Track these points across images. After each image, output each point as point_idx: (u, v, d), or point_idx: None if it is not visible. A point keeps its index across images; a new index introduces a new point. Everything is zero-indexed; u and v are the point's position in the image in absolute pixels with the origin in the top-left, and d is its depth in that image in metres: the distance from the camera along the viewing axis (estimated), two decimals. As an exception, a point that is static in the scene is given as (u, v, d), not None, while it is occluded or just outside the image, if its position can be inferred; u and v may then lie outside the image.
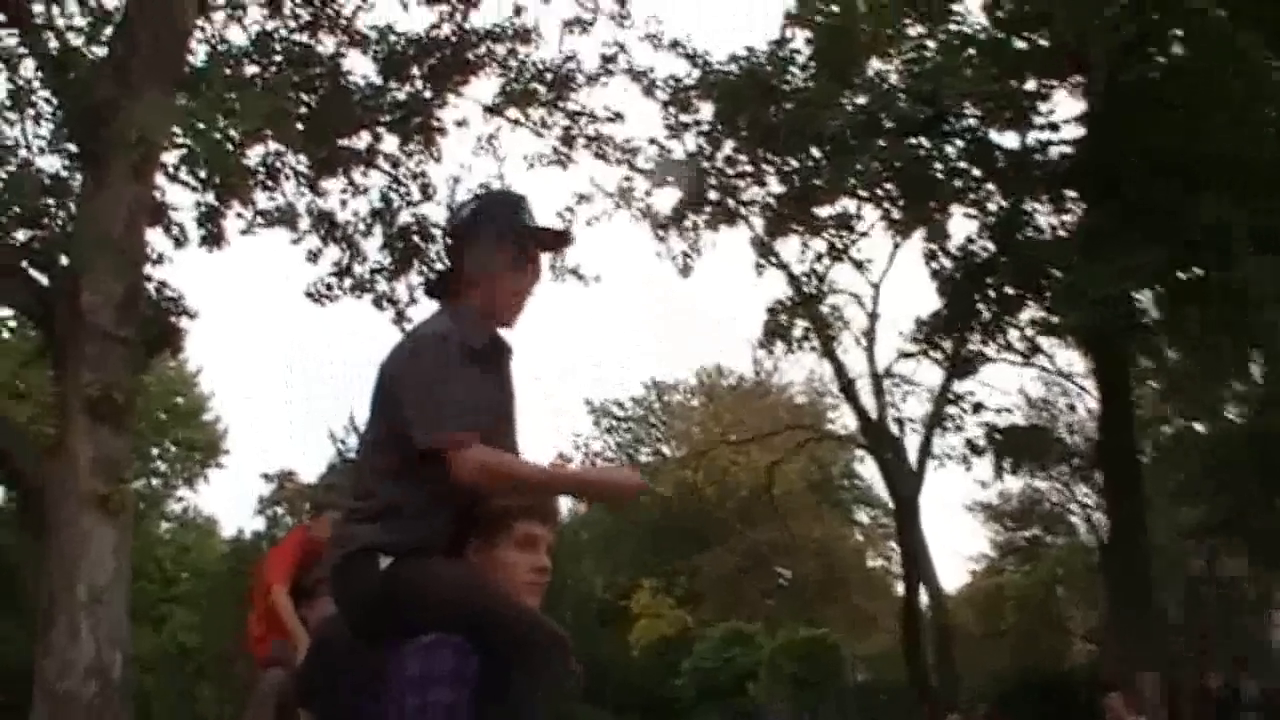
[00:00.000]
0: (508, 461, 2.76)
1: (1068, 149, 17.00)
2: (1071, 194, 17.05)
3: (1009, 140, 17.36)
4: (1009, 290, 18.09)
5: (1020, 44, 16.45)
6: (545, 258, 3.07)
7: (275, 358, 67.42)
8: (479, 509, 2.79)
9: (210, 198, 12.41)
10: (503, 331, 2.98)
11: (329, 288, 15.16)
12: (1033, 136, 17.22)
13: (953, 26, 16.87)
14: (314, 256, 15.05)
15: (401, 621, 2.67)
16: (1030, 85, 16.72)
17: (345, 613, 2.80)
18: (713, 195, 19.08)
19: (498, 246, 2.91)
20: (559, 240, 3.36)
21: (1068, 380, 24.46)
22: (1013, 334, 19.59)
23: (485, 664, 2.57)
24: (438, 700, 2.58)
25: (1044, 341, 20.03)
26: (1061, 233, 17.30)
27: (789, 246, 20.61)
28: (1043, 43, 16.16)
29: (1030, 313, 18.63)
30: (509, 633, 2.58)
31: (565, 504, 34.62)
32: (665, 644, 32.44)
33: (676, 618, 33.16)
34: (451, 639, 2.62)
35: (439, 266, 16.00)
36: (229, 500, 69.45)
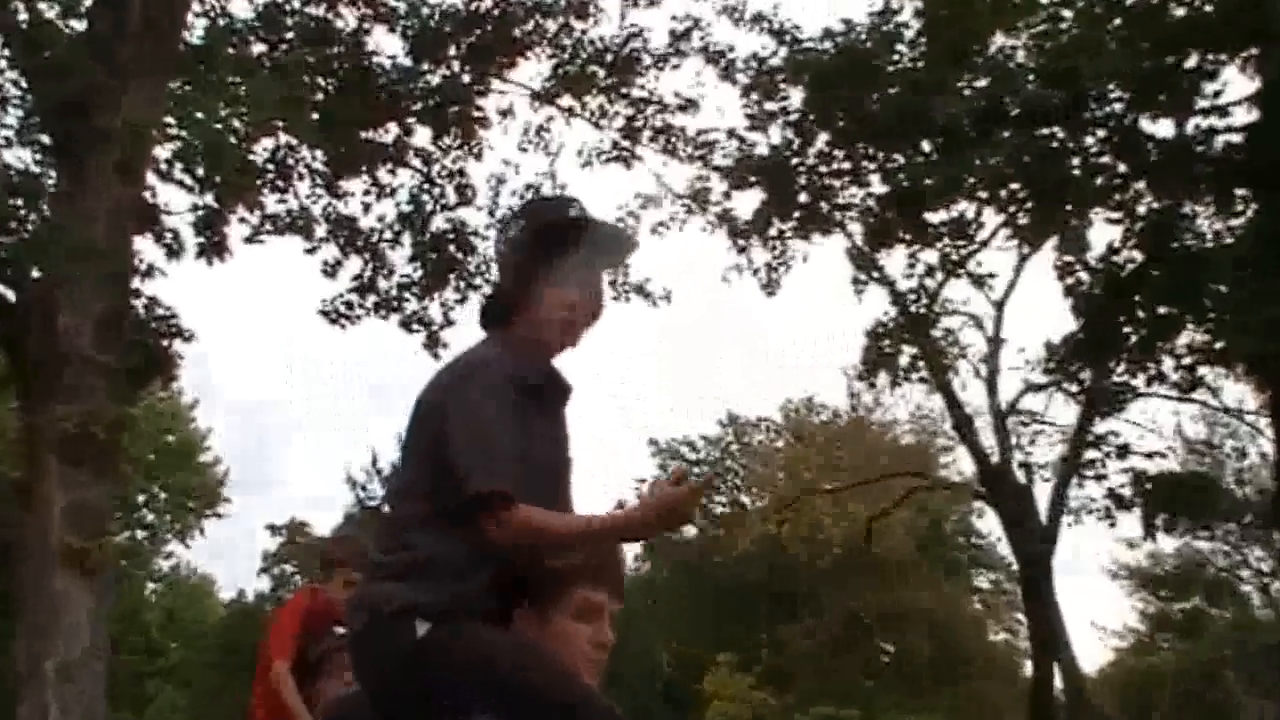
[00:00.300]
0: (551, 521, 2.74)
1: (1237, 138, 16.61)
2: (1241, 192, 16.61)
3: (1163, 129, 17.02)
4: (1162, 310, 17.69)
5: (1179, 10, 16.11)
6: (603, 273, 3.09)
7: (286, 389, 68.33)
8: (533, 568, 2.80)
9: (210, 200, 12.45)
10: (560, 364, 3.00)
11: (349, 306, 15.29)
12: (1193, 124, 16.84)
13: (1094, -9, 16.63)
14: (332, 269, 15.19)
15: (439, 699, 2.66)
16: (1191, 61, 16.37)
17: (369, 686, 2.81)
18: (803, 198, 18.95)
19: (536, 256, 2.95)
20: (617, 246, 3.31)
21: (1236, 418, 23.95)
22: (1167, 362, 19.14)
23: None
24: None
25: (1206, 371, 19.54)
26: (1228, 240, 16.86)
27: (894, 259, 20.45)
28: (1208, 8, 15.80)
29: (1189, 336, 18.20)
30: (568, 718, 2.58)
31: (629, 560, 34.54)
32: (744, 732, 32.22)
33: (757, 700, 32.88)
34: (500, 717, 2.61)
35: (479, 282, 16.15)
36: (228, 557, 70.40)
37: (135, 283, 10.38)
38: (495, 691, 2.63)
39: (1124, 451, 20.39)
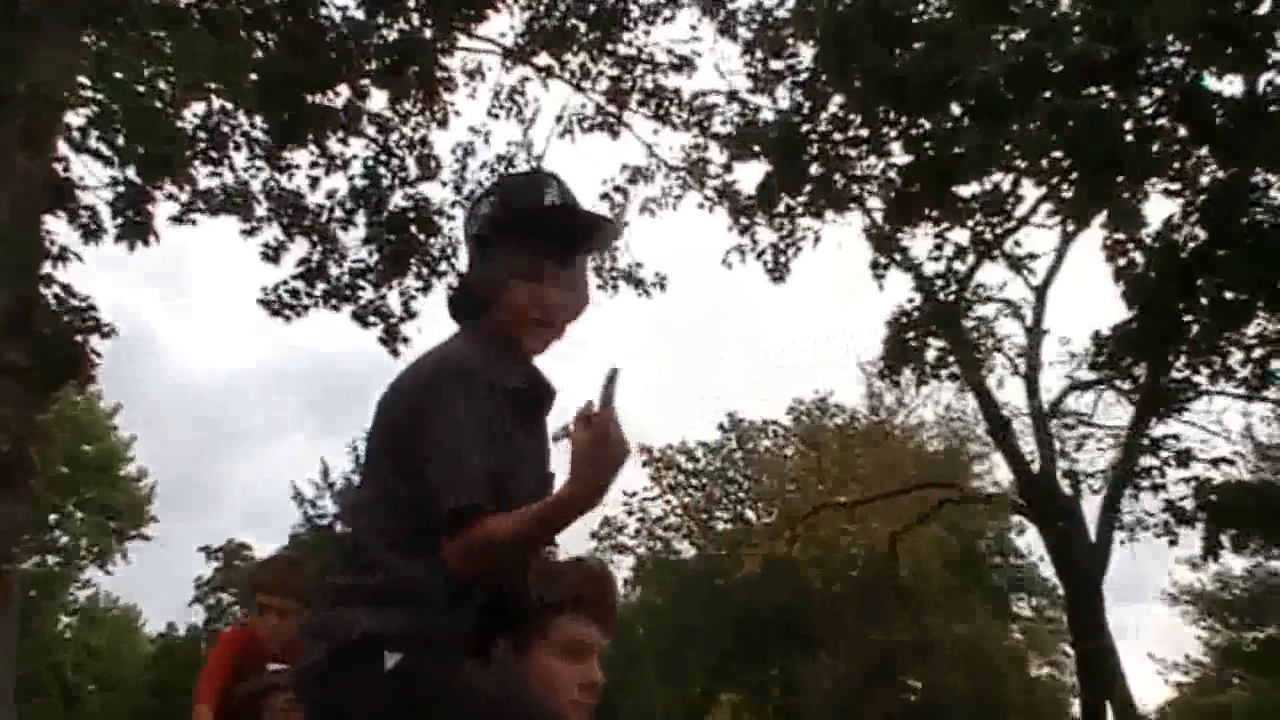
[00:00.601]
0: (498, 529, 2.66)
1: (1316, 97, 16.66)
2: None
3: (1231, 87, 17.05)
4: (1229, 295, 17.73)
5: (1248, -50, 16.16)
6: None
7: (223, 389, 68.23)
8: (513, 597, 2.81)
9: (132, 174, 12.41)
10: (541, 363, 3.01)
11: (295, 295, 15.28)
12: (1264, 81, 16.87)
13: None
14: (273, 253, 15.16)
15: None
16: (1263, 8, 16.39)
17: None
18: (814, 170, 18.97)
19: (510, 246, 2.96)
20: (594, 231, 3.25)
21: (1315, 420, 24.01)
22: (1235, 355, 19.23)
23: None
24: None
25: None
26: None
27: (919, 239, 20.44)
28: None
29: (1260, 325, 18.26)
30: None
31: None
32: (752, 783, 32.32)
33: (767, 747, 32.97)
34: None
35: (443, 267, 16.12)
36: (156, 584, 70.24)
37: (46, 268, 10.35)
38: None
39: (1185, 458, 20.40)
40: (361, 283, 15.27)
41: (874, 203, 19.96)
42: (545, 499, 2.69)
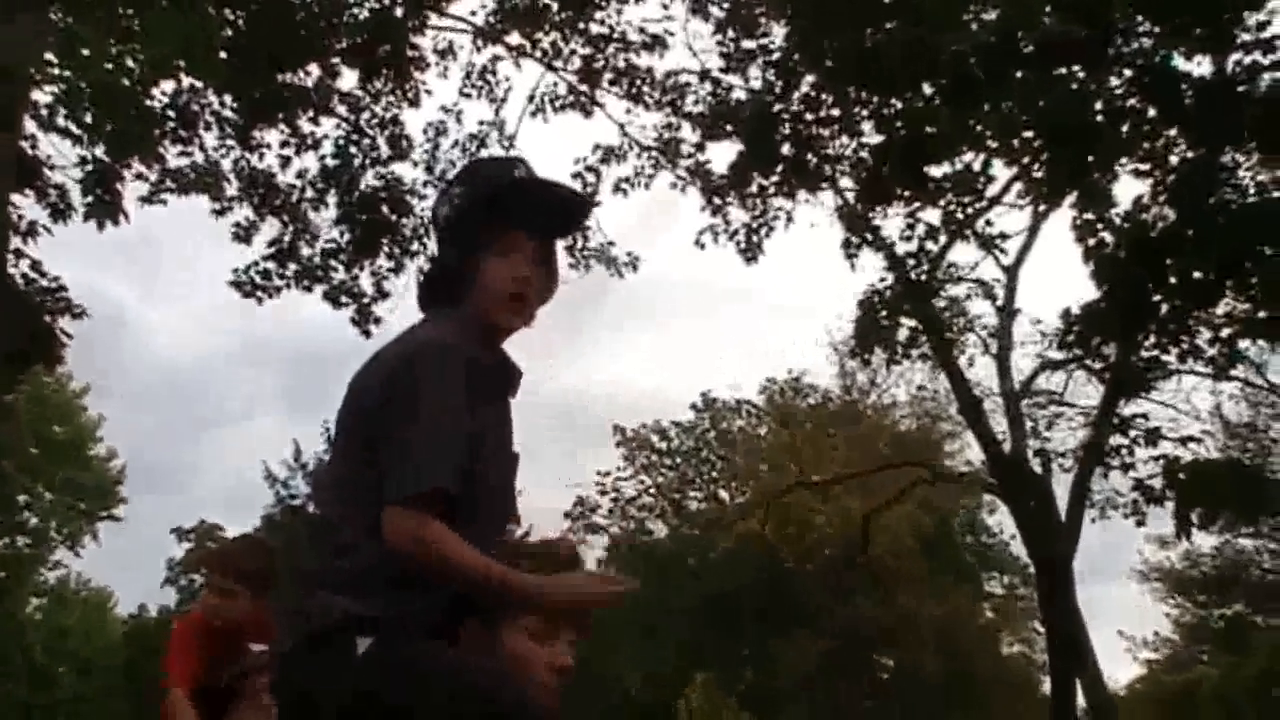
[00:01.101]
0: (459, 553, 2.71)
1: (1287, 76, 16.69)
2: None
3: (1201, 67, 17.09)
4: (1197, 275, 17.80)
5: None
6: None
7: (196, 370, 67.93)
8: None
9: (100, 152, 12.36)
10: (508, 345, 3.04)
11: (266, 275, 15.23)
12: (1234, 60, 16.91)
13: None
14: (244, 233, 15.10)
15: None
16: (1231, -10, 16.42)
17: (295, 711, 2.79)
18: (786, 149, 18.97)
19: (477, 224, 2.99)
20: (567, 210, 3.28)
21: (1282, 398, 24.12)
22: (1204, 335, 19.29)
23: None
24: None
25: (1248, 346, 19.69)
26: (1275, 194, 16.98)
27: (891, 219, 20.46)
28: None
29: (1229, 305, 18.32)
30: None
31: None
32: (725, 761, 32.35)
33: (742, 725, 33.04)
34: None
35: (415, 248, 16.07)
36: (127, 566, 69.93)
37: (15, 244, 10.30)
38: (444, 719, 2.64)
39: (1154, 437, 20.43)
40: (333, 263, 15.25)
41: (846, 182, 19.96)
42: (509, 574, 2.73)
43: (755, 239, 19.15)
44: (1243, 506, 21.63)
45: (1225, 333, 19.25)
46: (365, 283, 15.66)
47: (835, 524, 30.73)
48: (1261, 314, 17.31)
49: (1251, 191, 17.33)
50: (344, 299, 15.48)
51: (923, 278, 21.04)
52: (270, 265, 15.14)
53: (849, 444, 32.51)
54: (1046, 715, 24.25)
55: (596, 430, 50.62)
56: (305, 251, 15.24)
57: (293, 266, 15.20)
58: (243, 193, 14.84)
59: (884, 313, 21.18)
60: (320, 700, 2.70)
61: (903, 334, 21.66)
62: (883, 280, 21.09)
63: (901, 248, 20.67)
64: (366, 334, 15.53)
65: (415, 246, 15.46)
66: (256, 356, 59.07)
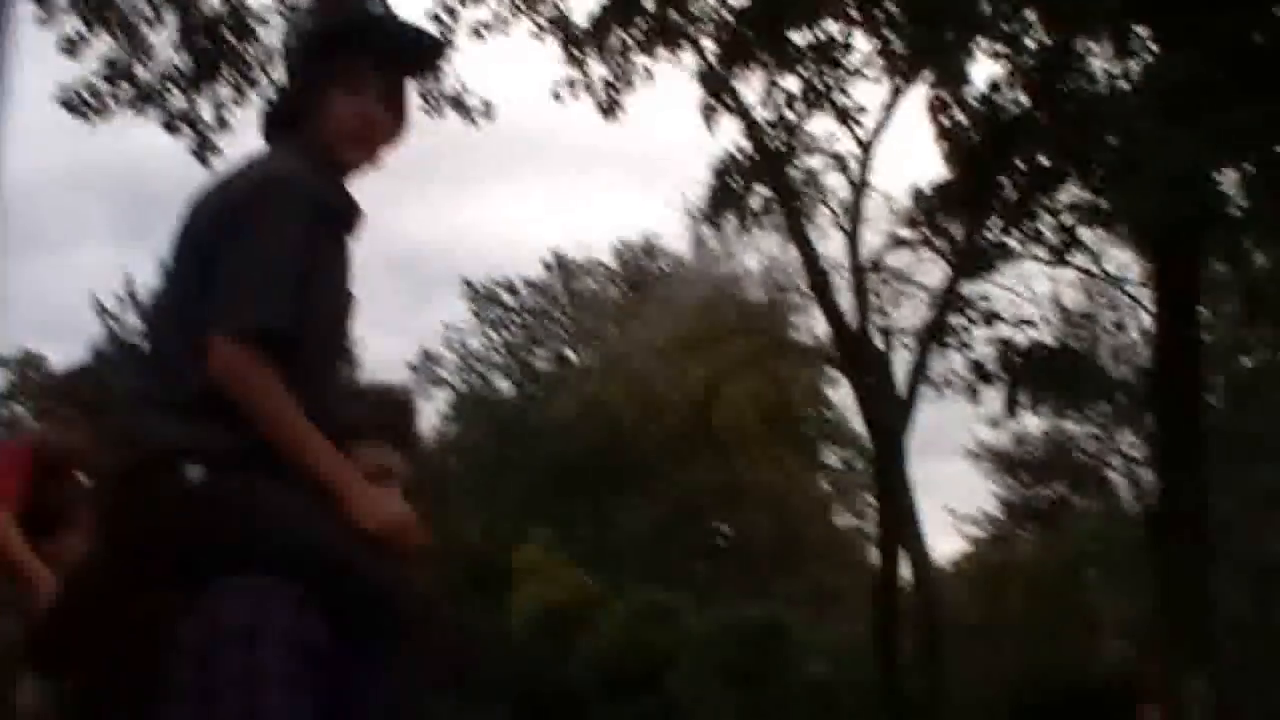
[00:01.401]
0: (280, 406, 2.67)
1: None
2: (1143, 31, 16.81)
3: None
4: (1044, 160, 18.00)
5: None
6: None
7: (16, 191, 65.71)
8: (316, 420, 2.76)
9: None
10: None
11: (96, 95, 14.71)
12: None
13: None
14: (72, 46, 14.50)
15: (215, 558, 2.61)
16: None
17: (129, 539, 2.74)
18: (649, 4, 18.74)
19: (326, 57, 2.92)
20: (419, 47, 3.25)
21: (1117, 288, 24.58)
22: (1046, 220, 19.57)
23: (332, 629, 2.59)
24: (270, 662, 2.51)
25: (1087, 234, 20.03)
26: (1124, 84, 17.11)
27: (751, 85, 20.36)
28: None
29: (1071, 193, 18.58)
30: (367, 590, 2.63)
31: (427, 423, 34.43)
32: (558, 616, 32.57)
33: (575, 582, 33.31)
34: (287, 587, 2.57)
35: (259, 77, 15.60)
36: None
37: None
38: (276, 555, 2.61)
39: (993, 319, 20.78)
40: (171, 88, 14.77)
41: (708, 44, 19.80)
42: (325, 450, 2.69)
43: (614, 95, 18.94)
44: (1070, 389, 22.25)
45: (1068, 220, 19.58)
46: (206, 111, 15.21)
47: (679, 390, 30.85)
48: (1103, 203, 17.58)
49: (1101, 81, 17.53)
50: (181, 127, 15.03)
51: (779, 147, 21.06)
52: (102, 85, 14.61)
53: (698, 311, 32.57)
54: (873, 584, 24.82)
55: (444, 283, 50.18)
56: (142, 75, 14.74)
57: (128, 88, 14.70)
58: (71, 3, 14.24)
59: (739, 178, 21.19)
60: (153, 524, 2.66)
61: (756, 202, 21.68)
62: (739, 145, 21.09)
63: (760, 115, 20.66)
64: (205, 164, 15.15)
65: (258, 76, 15.04)
66: (84, 182, 56.67)
